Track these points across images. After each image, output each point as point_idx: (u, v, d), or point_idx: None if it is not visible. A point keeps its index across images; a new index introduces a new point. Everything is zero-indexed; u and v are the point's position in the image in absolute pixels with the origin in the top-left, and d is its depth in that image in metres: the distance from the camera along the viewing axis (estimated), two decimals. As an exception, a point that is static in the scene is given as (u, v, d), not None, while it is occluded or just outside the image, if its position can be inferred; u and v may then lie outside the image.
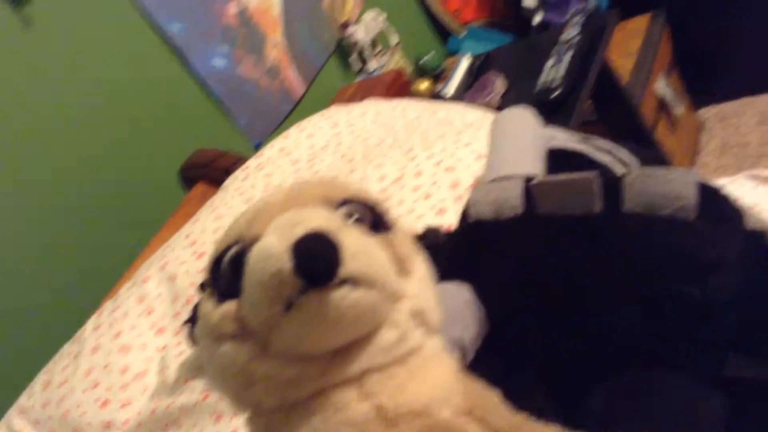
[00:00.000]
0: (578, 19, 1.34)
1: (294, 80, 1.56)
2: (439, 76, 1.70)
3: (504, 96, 1.40)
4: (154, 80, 1.31)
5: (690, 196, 0.49)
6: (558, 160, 0.72)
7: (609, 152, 0.72)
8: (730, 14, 1.92)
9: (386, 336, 0.45)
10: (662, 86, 1.81)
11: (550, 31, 1.62)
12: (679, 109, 1.85)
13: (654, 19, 1.86)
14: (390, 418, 0.44)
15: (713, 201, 0.50)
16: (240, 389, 0.44)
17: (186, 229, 1.00)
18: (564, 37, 1.33)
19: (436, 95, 1.54)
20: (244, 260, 0.43)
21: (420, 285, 0.49)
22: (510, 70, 1.48)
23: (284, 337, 0.42)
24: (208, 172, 1.22)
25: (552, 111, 1.26)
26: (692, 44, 1.97)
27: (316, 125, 1.09)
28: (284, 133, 1.11)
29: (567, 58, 1.28)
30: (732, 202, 0.51)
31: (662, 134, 1.81)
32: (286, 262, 0.39)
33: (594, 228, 0.52)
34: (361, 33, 1.66)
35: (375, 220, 0.47)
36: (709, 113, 2.04)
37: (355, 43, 1.68)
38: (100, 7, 1.24)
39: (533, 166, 0.66)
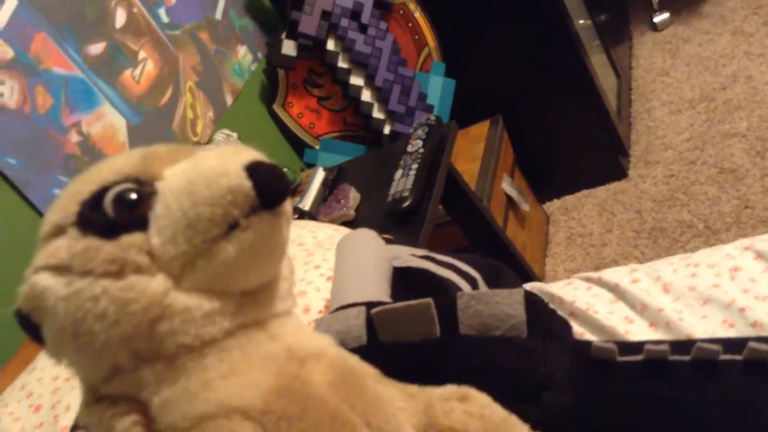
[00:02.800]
0: (421, 132, 1.41)
1: (146, 204, 1.52)
2: (295, 190, 1.71)
3: (358, 208, 1.43)
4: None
5: (519, 314, 0.51)
6: (405, 278, 0.74)
7: (451, 266, 0.74)
8: (560, 115, 2.10)
9: (283, 285, 0.49)
10: (508, 185, 1.93)
11: (399, 141, 1.69)
12: (526, 205, 1.97)
13: (493, 125, 2.00)
14: (300, 358, 0.46)
15: (541, 316, 0.52)
16: (142, 326, 0.42)
17: (22, 379, 0.92)
18: (409, 148, 1.40)
19: (294, 209, 1.55)
20: (150, 194, 0.43)
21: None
22: (363, 181, 1.53)
23: (213, 264, 0.42)
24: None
25: (404, 220, 1.30)
26: (530, 144, 2.13)
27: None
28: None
29: (413, 168, 1.33)
30: (558, 316, 0.53)
31: (513, 230, 1.91)
32: (244, 179, 0.41)
33: (435, 353, 0.52)
34: (214, 152, 1.66)
35: None
36: (553, 207, 2.19)
37: (209, 163, 1.67)
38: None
39: (377, 289, 0.66)
